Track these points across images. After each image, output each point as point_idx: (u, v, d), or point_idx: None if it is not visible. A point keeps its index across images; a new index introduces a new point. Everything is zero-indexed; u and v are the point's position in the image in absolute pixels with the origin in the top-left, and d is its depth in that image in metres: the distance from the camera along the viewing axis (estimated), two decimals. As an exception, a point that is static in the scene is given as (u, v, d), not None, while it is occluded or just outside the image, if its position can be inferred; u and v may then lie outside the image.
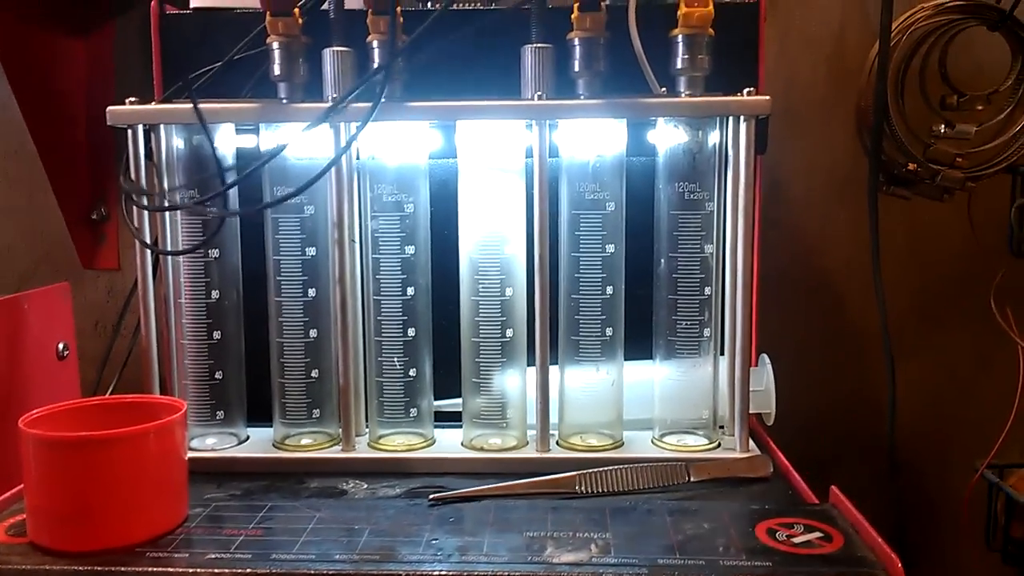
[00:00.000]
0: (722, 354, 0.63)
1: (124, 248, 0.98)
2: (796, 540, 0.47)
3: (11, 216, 0.99)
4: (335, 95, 0.59)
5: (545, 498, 0.55)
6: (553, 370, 0.62)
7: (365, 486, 0.58)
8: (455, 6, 0.67)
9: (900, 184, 0.85)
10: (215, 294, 0.63)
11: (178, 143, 0.62)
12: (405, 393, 0.63)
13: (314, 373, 0.63)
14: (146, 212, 0.61)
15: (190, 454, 0.53)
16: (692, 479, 0.57)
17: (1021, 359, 0.84)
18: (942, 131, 0.84)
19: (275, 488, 0.58)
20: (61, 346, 0.76)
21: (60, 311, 0.77)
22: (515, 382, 0.63)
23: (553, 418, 0.62)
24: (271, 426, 0.65)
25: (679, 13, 0.58)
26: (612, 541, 0.47)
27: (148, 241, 0.61)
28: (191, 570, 0.45)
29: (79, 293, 0.96)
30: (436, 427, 0.65)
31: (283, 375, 0.63)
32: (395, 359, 0.62)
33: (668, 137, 0.61)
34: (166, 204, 0.62)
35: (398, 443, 0.63)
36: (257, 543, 0.48)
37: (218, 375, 0.63)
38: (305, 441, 0.64)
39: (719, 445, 0.62)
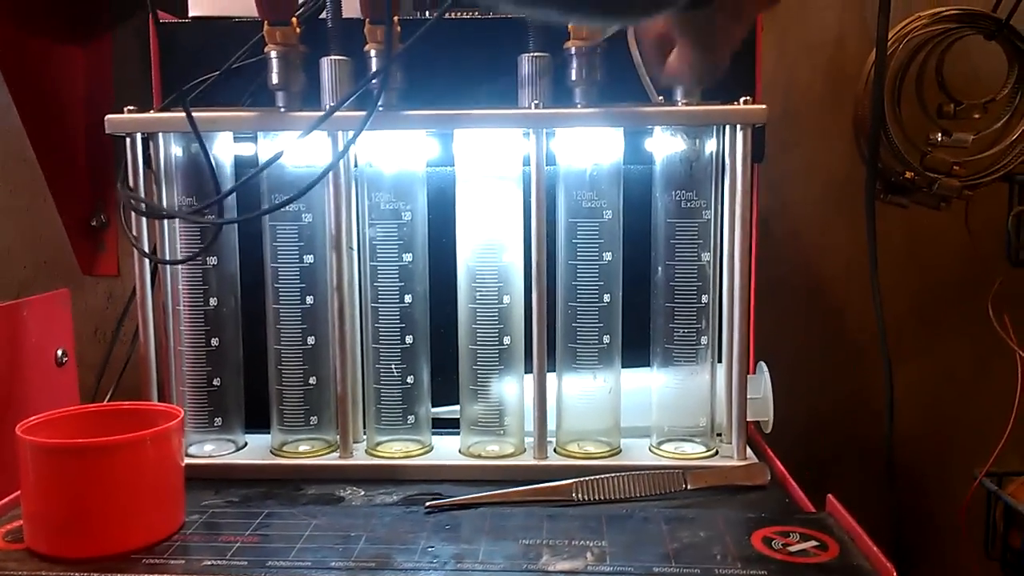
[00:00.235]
0: (720, 362, 0.63)
1: (123, 255, 0.98)
2: (792, 549, 0.47)
3: (11, 222, 0.99)
4: (332, 104, 0.59)
5: (542, 505, 0.55)
6: (551, 377, 0.62)
7: (362, 493, 0.58)
8: (452, 15, 0.67)
9: (897, 192, 0.86)
10: (213, 301, 0.63)
11: (176, 151, 0.62)
12: (403, 400, 0.63)
13: (312, 380, 0.63)
14: (144, 220, 0.61)
15: (188, 460, 0.53)
16: (689, 487, 0.57)
17: (1019, 367, 0.84)
18: (939, 139, 0.84)
19: (272, 495, 0.58)
20: (60, 352, 0.76)
21: (59, 317, 0.77)
22: (513, 389, 0.63)
23: (551, 425, 0.62)
24: (269, 433, 0.65)
25: (676, 22, 0.58)
26: (608, 549, 0.47)
27: (147, 248, 0.61)
28: (187, 577, 0.45)
29: (78, 299, 0.96)
30: (434, 434, 0.65)
31: (281, 382, 0.63)
32: (393, 366, 0.62)
33: (665, 145, 0.61)
34: (164, 212, 0.62)
35: (395, 450, 0.63)
36: (253, 550, 0.48)
37: (216, 382, 0.63)
38: (303, 448, 0.64)
39: (717, 453, 0.62)
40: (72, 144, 0.94)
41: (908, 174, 0.84)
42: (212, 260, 0.63)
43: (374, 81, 0.57)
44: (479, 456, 0.63)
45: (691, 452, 0.62)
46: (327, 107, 0.59)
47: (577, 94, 0.60)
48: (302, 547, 0.48)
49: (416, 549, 0.48)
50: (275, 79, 0.60)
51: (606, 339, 0.62)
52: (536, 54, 0.60)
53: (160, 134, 0.61)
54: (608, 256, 0.61)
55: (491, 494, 0.55)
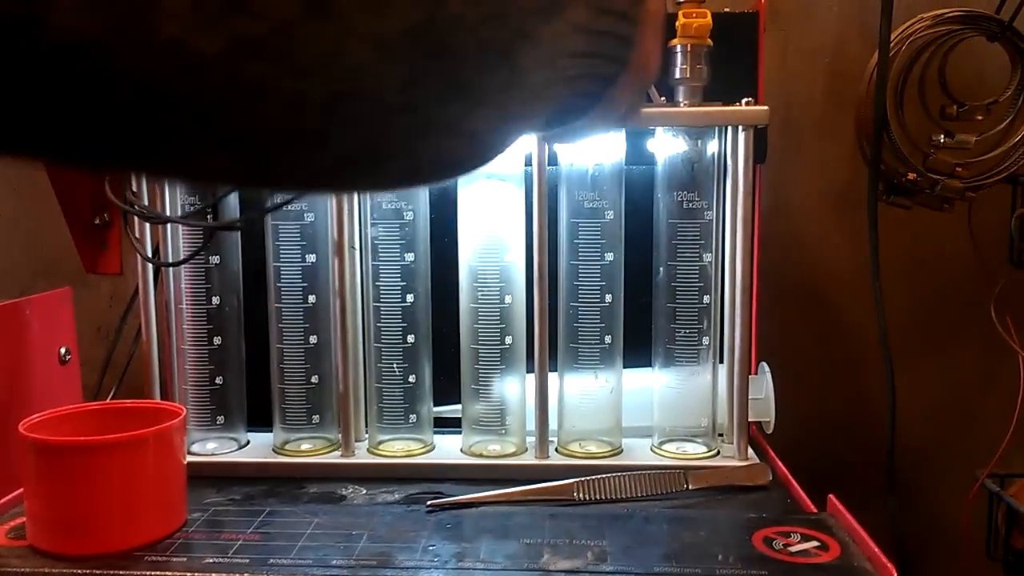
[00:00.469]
0: (721, 362, 0.63)
1: (126, 253, 0.98)
2: (793, 549, 0.47)
3: (15, 221, 1.00)
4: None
5: (543, 505, 0.55)
6: (552, 377, 0.62)
7: (364, 491, 0.58)
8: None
9: (900, 193, 0.86)
10: (216, 300, 0.63)
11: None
12: (404, 399, 0.63)
13: (314, 379, 0.64)
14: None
15: (190, 458, 0.53)
16: (690, 487, 0.57)
17: (1022, 368, 0.84)
18: (942, 141, 0.84)
19: (274, 493, 0.58)
20: (63, 351, 0.76)
21: (62, 316, 0.77)
22: (514, 389, 0.63)
23: (552, 425, 0.62)
24: (271, 431, 0.65)
25: (678, 23, 0.58)
26: (608, 549, 0.47)
27: (150, 246, 0.61)
28: (189, 574, 0.45)
29: (81, 298, 0.96)
30: (435, 433, 0.65)
31: (283, 380, 0.64)
32: (395, 365, 0.63)
33: (667, 146, 0.61)
34: (162, 218, 0.62)
35: (397, 449, 0.63)
36: (255, 548, 0.48)
37: (218, 380, 0.64)
38: (305, 446, 0.64)
39: (718, 453, 0.63)
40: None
41: (910, 175, 0.83)
42: (215, 259, 0.63)
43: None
44: (481, 455, 0.63)
45: (692, 452, 0.63)
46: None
47: (580, 94, 0.60)
48: (304, 545, 0.48)
49: (417, 548, 0.48)
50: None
51: (608, 339, 0.62)
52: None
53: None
54: (610, 256, 0.61)
55: (492, 493, 0.55)
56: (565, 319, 0.62)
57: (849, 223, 0.90)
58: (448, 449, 0.64)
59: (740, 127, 0.59)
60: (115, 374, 0.85)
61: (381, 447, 0.64)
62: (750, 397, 0.62)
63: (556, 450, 0.63)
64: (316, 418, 0.64)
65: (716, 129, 0.60)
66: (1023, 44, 0.83)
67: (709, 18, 0.58)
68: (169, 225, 0.63)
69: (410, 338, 0.62)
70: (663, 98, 0.63)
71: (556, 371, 0.63)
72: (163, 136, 0.17)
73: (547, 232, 0.60)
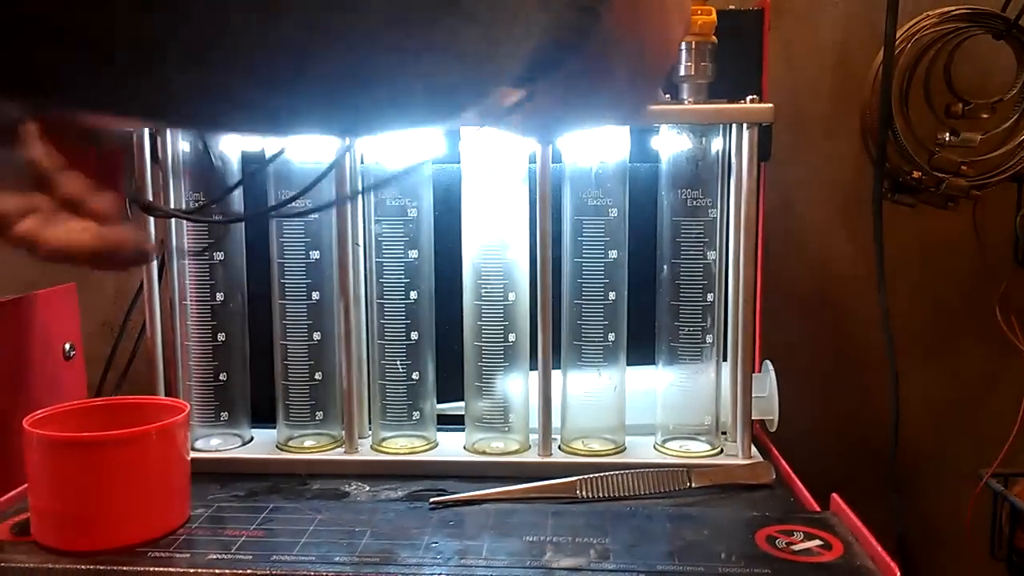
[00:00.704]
0: (725, 360, 0.63)
1: (131, 250, 0.98)
2: (796, 548, 0.47)
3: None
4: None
5: (546, 502, 0.55)
6: (555, 375, 0.62)
7: (367, 488, 0.59)
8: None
9: (905, 192, 0.85)
10: (220, 297, 0.63)
11: (184, 147, 0.62)
12: (408, 396, 0.63)
13: (317, 375, 0.64)
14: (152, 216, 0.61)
15: (194, 454, 0.53)
16: (693, 485, 0.57)
17: (1026, 367, 0.84)
18: (947, 139, 0.84)
19: (278, 489, 0.58)
20: (67, 346, 0.77)
21: (67, 311, 0.77)
22: (518, 386, 0.63)
23: (555, 422, 0.62)
24: (275, 427, 0.65)
25: (683, 20, 0.58)
26: (611, 547, 0.47)
27: (155, 242, 0.61)
28: (192, 570, 0.45)
29: (86, 293, 0.97)
30: (439, 430, 0.65)
31: (287, 377, 0.64)
32: (398, 362, 0.63)
33: (671, 144, 0.61)
34: (171, 209, 0.62)
35: (401, 446, 0.63)
36: (258, 544, 0.48)
37: (222, 377, 0.64)
38: (308, 443, 0.64)
39: (721, 451, 0.63)
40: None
41: (916, 174, 0.83)
42: (219, 256, 0.63)
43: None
44: (484, 452, 0.63)
45: (696, 450, 0.62)
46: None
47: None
48: (307, 542, 0.48)
49: (420, 545, 0.48)
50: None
51: (611, 337, 0.62)
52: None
53: (167, 130, 0.62)
54: (613, 254, 0.61)
55: (495, 491, 0.55)
56: (568, 316, 0.62)
57: (854, 221, 0.90)
58: (451, 446, 0.64)
59: (745, 125, 0.59)
60: (119, 370, 0.85)
61: (384, 444, 0.64)
62: (754, 395, 0.62)
63: (559, 448, 0.63)
64: (320, 415, 0.64)
65: (720, 127, 0.60)
66: (1029, 42, 0.82)
67: (714, 15, 0.58)
68: (174, 221, 0.63)
69: (413, 335, 0.62)
70: (667, 95, 0.63)
71: (559, 368, 0.63)
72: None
73: (551, 229, 0.60)
